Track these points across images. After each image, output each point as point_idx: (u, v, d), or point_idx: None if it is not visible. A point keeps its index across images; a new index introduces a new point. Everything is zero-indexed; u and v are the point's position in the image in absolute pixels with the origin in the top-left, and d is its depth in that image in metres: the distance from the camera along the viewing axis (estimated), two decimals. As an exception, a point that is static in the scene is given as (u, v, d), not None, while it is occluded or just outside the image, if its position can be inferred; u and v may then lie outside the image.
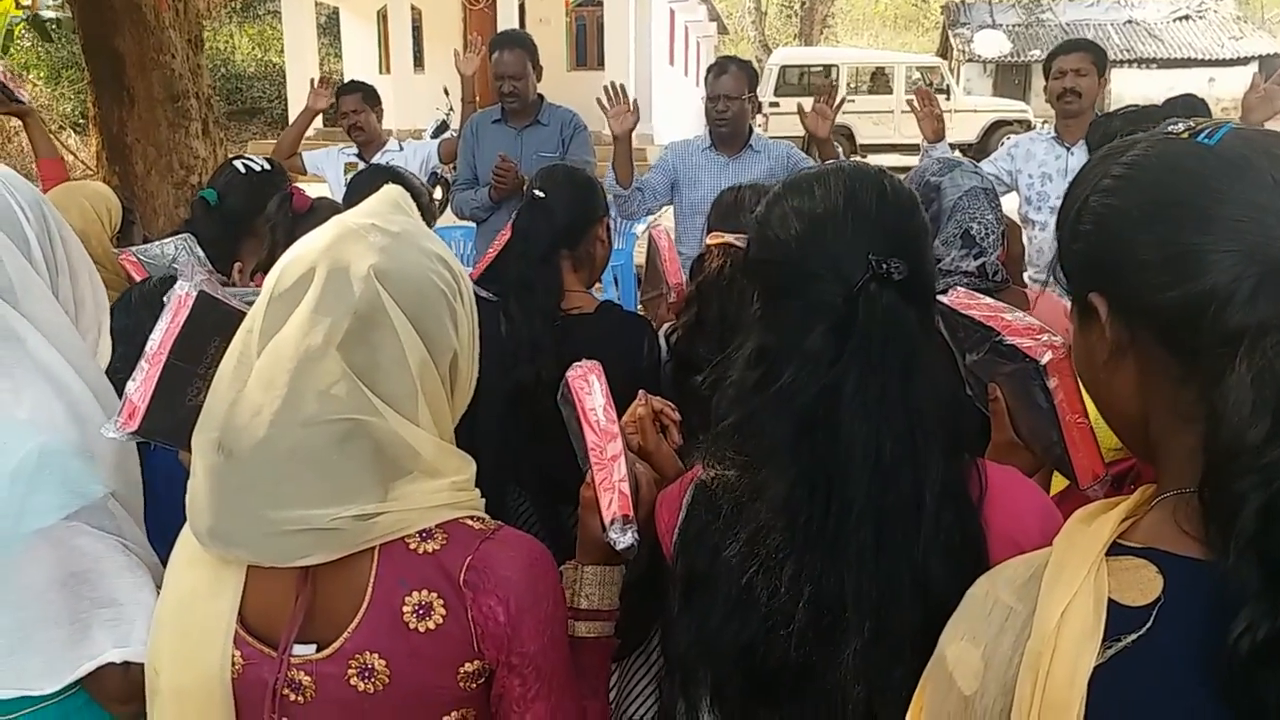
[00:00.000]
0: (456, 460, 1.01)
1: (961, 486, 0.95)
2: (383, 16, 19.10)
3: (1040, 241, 3.36)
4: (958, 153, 15.84)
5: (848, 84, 18.91)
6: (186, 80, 7.33)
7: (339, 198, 4.42)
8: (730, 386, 1.02)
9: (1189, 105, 2.25)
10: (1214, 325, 0.70)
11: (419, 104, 15.91)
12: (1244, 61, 27.17)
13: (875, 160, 17.67)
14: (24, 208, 1.16)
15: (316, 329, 0.92)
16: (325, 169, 4.50)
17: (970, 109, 18.70)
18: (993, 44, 27.73)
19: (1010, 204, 3.53)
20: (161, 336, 1.12)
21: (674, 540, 1.11)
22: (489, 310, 2.00)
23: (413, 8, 18.03)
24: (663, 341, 1.92)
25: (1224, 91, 27.11)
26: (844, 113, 15.13)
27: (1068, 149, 3.35)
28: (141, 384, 1.10)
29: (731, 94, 3.60)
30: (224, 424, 0.93)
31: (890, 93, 18.54)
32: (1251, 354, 0.66)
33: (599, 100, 3.62)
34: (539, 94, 3.96)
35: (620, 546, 1.10)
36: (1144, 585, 0.69)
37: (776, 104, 18.30)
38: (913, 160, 16.86)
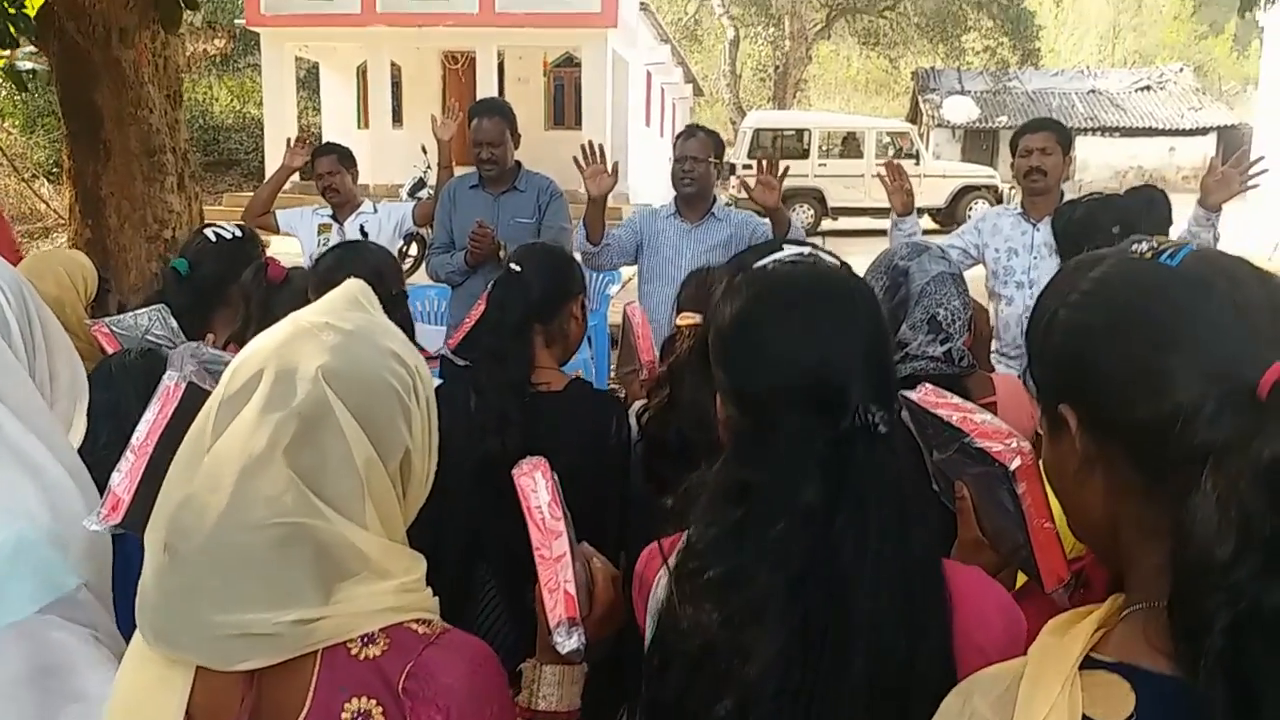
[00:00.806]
0: (406, 560, 1.00)
1: (948, 636, 0.95)
2: (362, 72, 19.30)
3: (1006, 316, 3.41)
4: (926, 218, 16.05)
5: (819, 147, 19.28)
6: (164, 135, 7.33)
7: (309, 258, 4.44)
8: (709, 522, 1.01)
9: (1148, 197, 2.31)
10: (1180, 443, 0.72)
11: (397, 159, 16.01)
12: (1203, 132, 28.02)
13: (846, 222, 18.01)
14: (5, 290, 1.16)
15: (261, 432, 0.92)
16: (298, 229, 4.50)
17: (939, 174, 19.08)
18: (961, 110, 28.42)
19: (977, 275, 3.60)
20: (148, 428, 1.11)
21: (650, 623, 1.09)
22: (460, 380, 2.01)
23: (393, 64, 18.24)
24: (633, 421, 1.92)
25: (1184, 160, 27.97)
26: (816, 176, 15.32)
27: (1034, 225, 3.43)
28: (126, 476, 1.09)
29: (698, 155, 3.67)
30: (170, 524, 0.93)
31: (861, 157, 18.90)
32: (1217, 473, 0.68)
33: (576, 159, 3.67)
34: (516, 160, 4.01)
35: (564, 650, 1.07)
36: (1117, 701, 0.70)
37: (750, 166, 18.61)
38: (883, 223, 17.13)
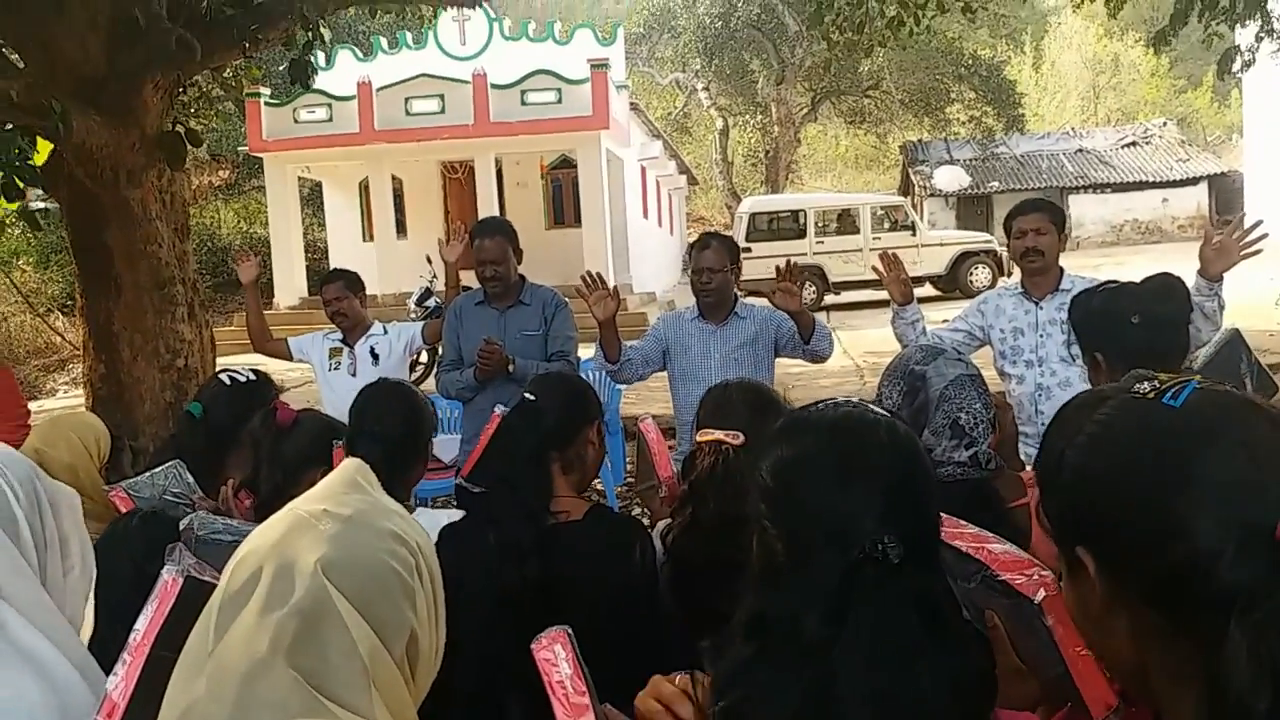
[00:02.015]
0: None
1: None
2: (364, 187, 19.78)
3: (1019, 394, 3.40)
4: (927, 285, 16.04)
5: (816, 225, 19.54)
6: (173, 267, 7.47)
7: (325, 383, 4.49)
8: (729, 658, 1.00)
9: (1165, 284, 2.30)
10: (1201, 589, 0.71)
11: (403, 270, 16.29)
12: (1194, 181, 28.35)
13: (848, 295, 18.13)
14: (14, 486, 1.16)
15: (261, 634, 0.90)
16: (310, 354, 4.56)
17: (937, 243, 19.29)
18: (952, 179, 28.87)
19: (984, 356, 3.60)
20: (145, 626, 1.09)
21: None
22: (475, 508, 2.00)
23: (394, 178, 18.68)
24: (658, 542, 1.90)
25: (1178, 210, 28.26)
26: (814, 254, 15.45)
27: (1036, 304, 3.44)
28: (122, 680, 1.06)
29: (715, 267, 3.74)
30: None
31: (857, 232, 19.16)
32: (1245, 623, 0.67)
33: (578, 289, 3.73)
34: (520, 275, 4.07)
35: None
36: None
37: (749, 249, 18.83)
38: (884, 294, 17.22)
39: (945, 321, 3.80)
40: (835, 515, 0.96)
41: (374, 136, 17.19)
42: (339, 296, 4.44)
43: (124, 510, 1.92)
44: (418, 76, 17.30)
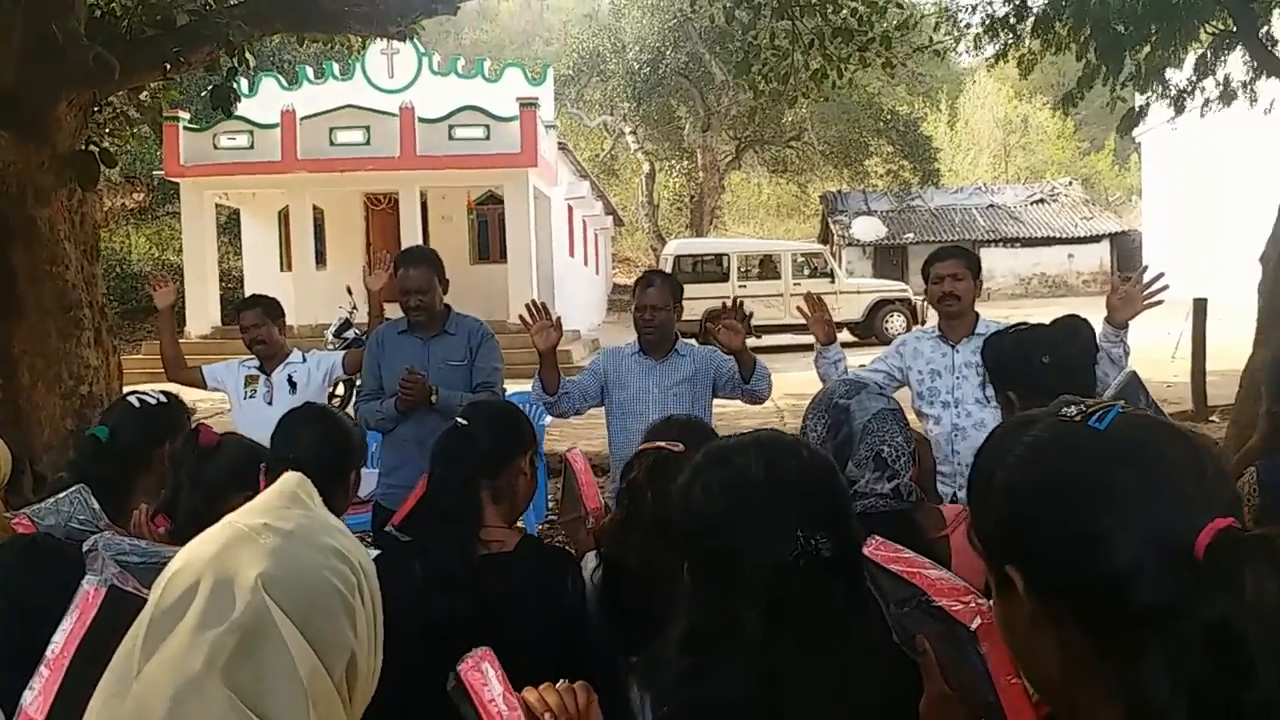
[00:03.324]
0: None
1: None
2: (284, 216, 19.41)
3: (936, 435, 3.49)
4: (845, 331, 16.41)
5: (738, 270, 19.86)
6: (80, 290, 7.19)
7: (239, 412, 4.36)
8: (666, 674, 1.00)
9: (1072, 327, 2.41)
10: (1122, 604, 0.73)
11: (321, 300, 15.99)
12: (1097, 239, 29.70)
13: (769, 339, 18.49)
14: None
15: (196, 651, 0.87)
16: (225, 383, 4.42)
17: (854, 290, 19.79)
18: (869, 229, 29.69)
19: (903, 396, 3.69)
20: (65, 639, 1.03)
21: None
22: (404, 547, 1.95)
23: (315, 207, 18.39)
24: (586, 576, 1.89)
25: (1083, 265, 29.54)
26: (737, 297, 15.76)
27: (953, 346, 3.55)
28: (39, 694, 1.00)
29: (658, 304, 3.79)
30: None
31: (779, 277, 19.52)
32: (1163, 636, 0.69)
33: (521, 317, 3.73)
34: (445, 304, 4.03)
35: None
36: None
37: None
38: (804, 338, 17.47)
39: (864, 366, 3.89)
40: (765, 523, 0.98)
41: (296, 165, 16.93)
42: (257, 323, 4.33)
43: (27, 535, 1.82)
44: (343, 107, 17.14)
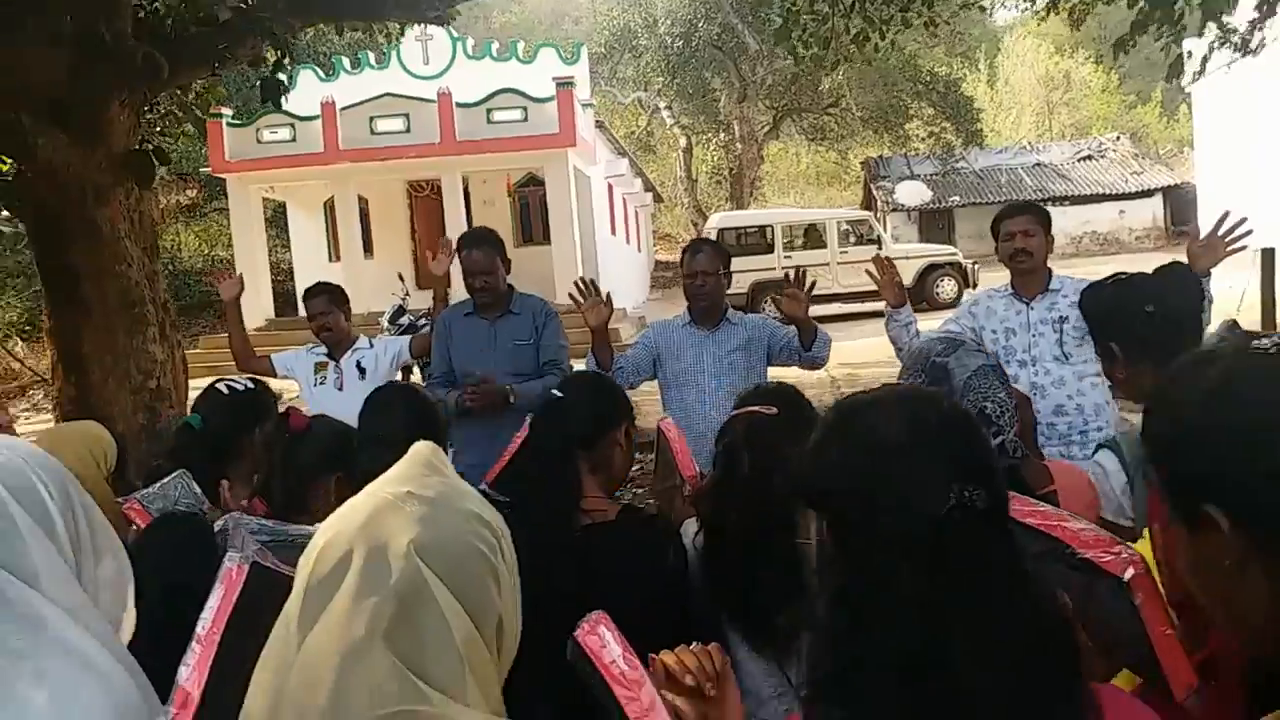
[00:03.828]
0: None
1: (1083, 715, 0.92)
2: (329, 207, 19.61)
3: (1014, 394, 3.44)
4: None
5: (783, 240, 19.69)
6: (143, 287, 7.34)
7: (310, 399, 4.42)
8: (820, 636, 0.99)
9: (1178, 274, 2.35)
10: None
11: (371, 289, 16.15)
12: (1148, 194, 28.97)
13: (816, 309, 18.28)
14: (49, 488, 1.12)
15: (358, 618, 0.88)
16: (295, 370, 4.48)
17: (902, 255, 19.50)
18: (913, 193, 29.27)
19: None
20: (213, 615, 1.05)
21: None
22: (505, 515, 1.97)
23: (360, 197, 18.55)
24: (687, 542, 1.89)
25: (1134, 222, 28.87)
26: (782, 268, 15.61)
27: (1027, 304, 3.48)
28: (194, 669, 1.02)
29: (708, 270, 3.75)
30: None
31: (824, 246, 19.33)
32: None
33: (571, 295, 3.73)
34: (509, 284, 4.05)
35: None
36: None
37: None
38: (851, 307, 17.26)
39: (934, 329, 3.83)
40: (916, 477, 0.96)
41: (339, 156, 17.07)
42: (324, 310, 4.38)
43: (140, 522, 1.86)
44: (382, 96, 17.23)
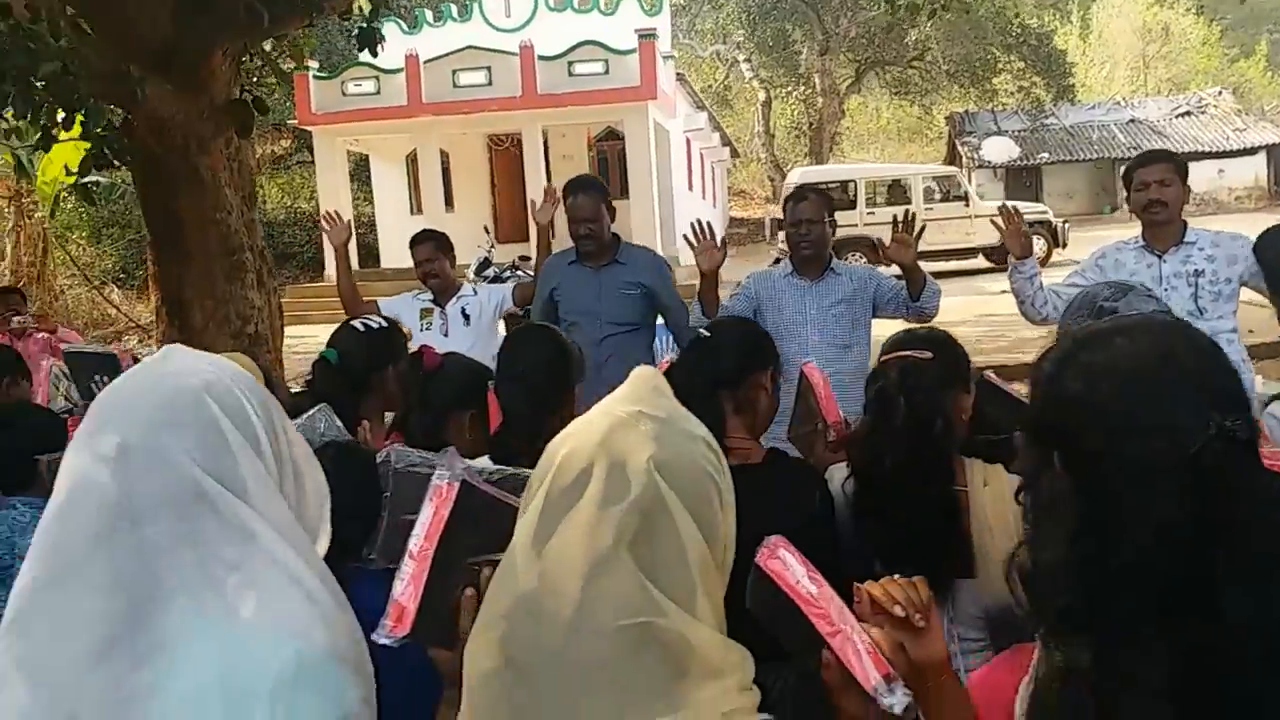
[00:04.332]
0: (736, 655, 0.94)
1: None
2: (411, 160, 19.79)
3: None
4: (980, 257, 15.73)
5: (866, 196, 19.30)
6: (241, 234, 7.51)
7: (416, 344, 4.48)
8: (1056, 566, 0.95)
9: None
10: None
11: (454, 242, 16.28)
12: (1251, 151, 27.64)
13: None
14: (254, 406, 1.14)
15: (604, 528, 0.88)
16: (401, 316, 4.51)
17: (990, 213, 18.96)
18: (1000, 150, 28.37)
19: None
20: (426, 531, 1.06)
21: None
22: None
23: (441, 151, 18.66)
24: (835, 488, 1.87)
25: (1235, 181, 27.63)
26: (865, 225, 15.35)
27: (1159, 257, 3.34)
28: (409, 583, 1.04)
29: (813, 218, 3.66)
30: (510, 635, 0.89)
31: (909, 202, 18.88)
32: None
33: (685, 236, 3.69)
34: (615, 234, 4.02)
35: (898, 709, 1.00)
36: None
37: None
38: (936, 265, 16.82)
39: (1058, 281, 3.70)
40: (1171, 407, 0.91)
41: (421, 109, 17.18)
42: (430, 257, 4.43)
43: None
44: (465, 49, 17.24)
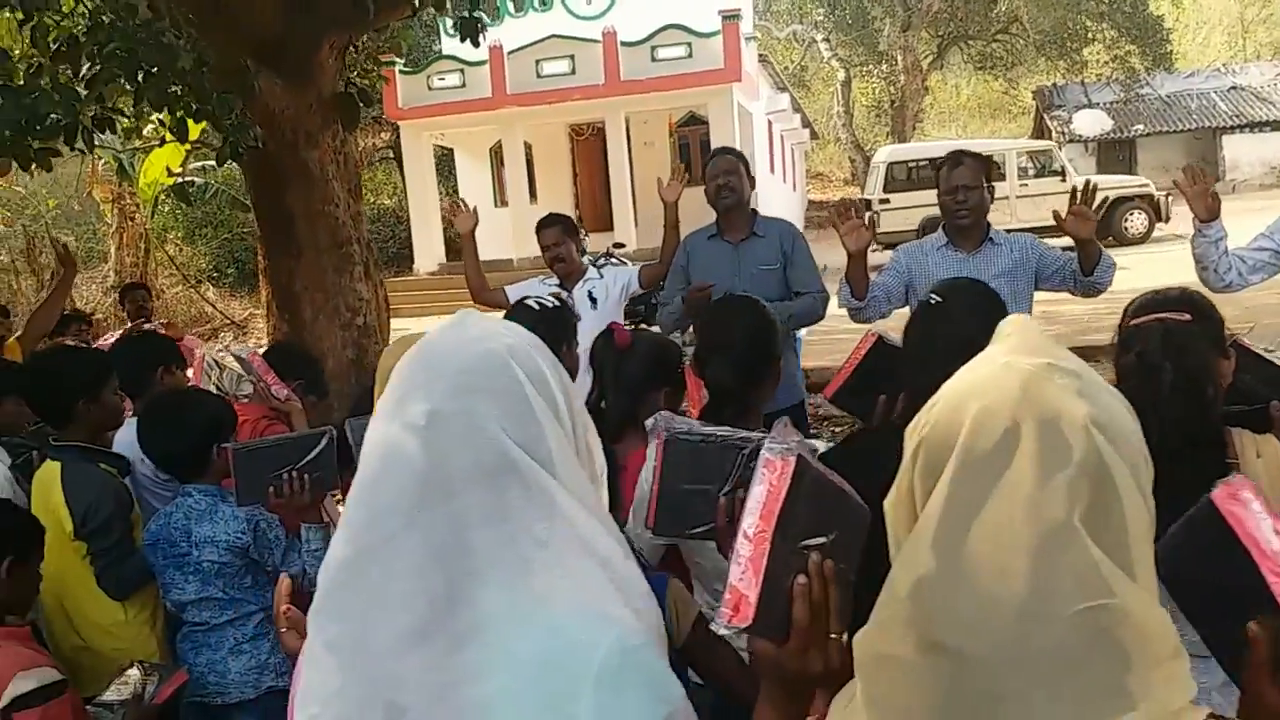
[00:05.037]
0: (1176, 638, 0.82)
1: None
2: (495, 152, 19.90)
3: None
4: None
5: (958, 175, 18.77)
6: (349, 227, 7.58)
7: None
8: None
9: None
10: None
11: (537, 232, 16.33)
12: (1366, 115, 26.23)
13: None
14: (549, 371, 1.07)
15: (1051, 497, 0.77)
16: (528, 301, 4.50)
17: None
18: (1093, 123, 27.36)
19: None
20: (761, 509, 0.95)
21: None
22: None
23: (524, 143, 18.72)
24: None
25: (1348, 148, 26.18)
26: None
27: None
28: (746, 568, 0.93)
29: (970, 184, 3.46)
30: (944, 621, 0.79)
31: (1003, 179, 18.30)
32: None
33: (829, 215, 3.54)
34: (753, 209, 3.90)
35: None
36: None
37: (887, 200, 18.22)
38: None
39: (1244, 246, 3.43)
40: None
41: (506, 100, 17.24)
42: (556, 241, 4.37)
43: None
44: (548, 38, 17.24)
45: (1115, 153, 27.07)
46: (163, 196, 17.04)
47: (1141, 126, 27.05)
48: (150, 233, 17.61)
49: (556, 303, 2.47)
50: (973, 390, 0.85)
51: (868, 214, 3.55)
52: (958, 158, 3.54)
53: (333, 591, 0.95)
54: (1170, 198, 18.10)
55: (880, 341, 1.96)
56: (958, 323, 1.76)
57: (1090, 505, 0.77)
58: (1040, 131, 29.17)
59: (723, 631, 0.95)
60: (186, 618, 2.61)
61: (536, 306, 2.41)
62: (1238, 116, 27.00)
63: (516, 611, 0.91)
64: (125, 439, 2.90)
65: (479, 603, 0.90)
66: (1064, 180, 17.82)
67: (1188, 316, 1.66)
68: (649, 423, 1.42)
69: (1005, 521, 0.78)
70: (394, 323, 11.90)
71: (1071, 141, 27.05)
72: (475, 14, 7.27)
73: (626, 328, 2.22)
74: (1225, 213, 3.24)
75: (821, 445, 1.76)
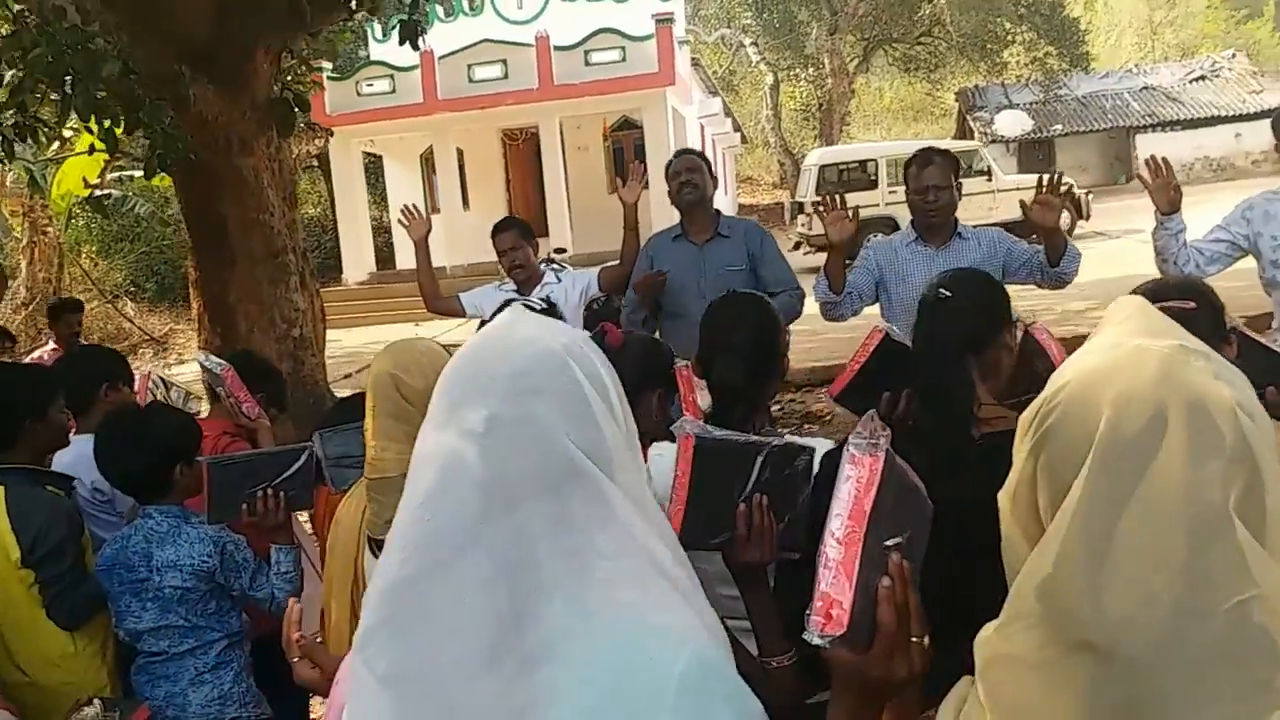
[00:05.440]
0: None
1: None
2: (426, 159, 19.60)
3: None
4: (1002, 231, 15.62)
5: (888, 175, 19.08)
6: (284, 236, 7.36)
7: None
8: None
9: None
10: None
11: (470, 241, 16.13)
12: (1268, 114, 27.15)
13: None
14: (604, 370, 1.00)
15: (1207, 486, 0.74)
16: (485, 308, 4.37)
17: (1013, 187, 18.74)
18: (1014, 123, 28.10)
19: (1245, 267, 3.34)
20: (850, 510, 0.90)
21: None
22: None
23: (457, 149, 18.48)
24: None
25: (1252, 145, 27.31)
26: (886, 204, 15.19)
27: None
28: (839, 573, 0.87)
29: (940, 183, 3.47)
30: (1090, 620, 0.74)
31: (932, 180, 18.66)
32: None
33: (814, 204, 3.53)
34: (716, 209, 3.87)
35: None
36: None
37: (820, 202, 18.37)
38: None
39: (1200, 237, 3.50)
40: None
41: (437, 106, 17.00)
42: (514, 245, 4.26)
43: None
44: (479, 43, 17.05)
45: (1035, 152, 27.83)
46: (77, 209, 16.39)
47: (1060, 126, 27.87)
48: (64, 247, 16.92)
49: (546, 305, 2.40)
50: (1106, 375, 0.80)
51: (853, 206, 3.54)
52: (927, 157, 3.56)
53: (387, 619, 0.87)
54: (1090, 195, 18.65)
55: (887, 338, 1.92)
56: (967, 316, 1.74)
57: (1243, 491, 0.74)
58: (963, 132, 29.86)
59: (816, 641, 0.89)
60: (142, 647, 2.46)
61: (537, 308, 2.33)
62: (1150, 116, 27.99)
63: (586, 628, 0.85)
64: (65, 459, 2.73)
65: (545, 619, 0.84)
66: (989, 180, 18.27)
67: (1192, 305, 1.66)
68: (674, 426, 1.35)
69: (1157, 512, 0.74)
70: (340, 333, 11.55)
71: (994, 142, 27.72)
72: (415, 17, 7.11)
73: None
74: (1138, 209, 3.31)
75: (826, 444, 1.72)
